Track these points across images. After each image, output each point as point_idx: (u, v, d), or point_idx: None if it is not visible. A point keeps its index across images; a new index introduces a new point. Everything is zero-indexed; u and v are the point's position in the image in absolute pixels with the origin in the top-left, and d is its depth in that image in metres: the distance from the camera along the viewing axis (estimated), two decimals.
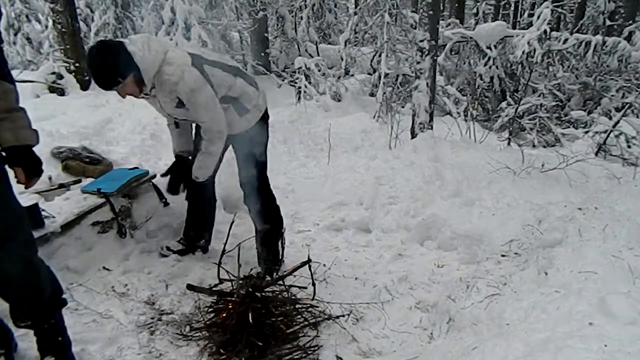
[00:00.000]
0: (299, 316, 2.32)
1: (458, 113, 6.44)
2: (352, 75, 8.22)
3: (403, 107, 6.43)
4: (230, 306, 2.21)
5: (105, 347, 2.09)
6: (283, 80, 9.08)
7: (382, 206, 3.52)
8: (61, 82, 5.16)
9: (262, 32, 9.76)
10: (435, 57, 4.41)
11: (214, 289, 2.37)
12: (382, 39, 7.28)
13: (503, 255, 2.77)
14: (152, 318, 2.32)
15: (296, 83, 7.01)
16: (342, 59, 8.08)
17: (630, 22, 9.38)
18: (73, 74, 5.30)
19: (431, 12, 4.32)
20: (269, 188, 2.75)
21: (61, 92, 5.11)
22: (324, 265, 2.85)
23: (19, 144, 1.58)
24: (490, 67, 8.08)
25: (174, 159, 2.68)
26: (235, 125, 2.48)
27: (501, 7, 13.81)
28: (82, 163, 3.09)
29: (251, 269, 2.62)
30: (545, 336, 1.72)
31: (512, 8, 14.76)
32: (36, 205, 2.40)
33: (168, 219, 3.09)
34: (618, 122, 4.95)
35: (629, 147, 5.01)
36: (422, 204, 3.44)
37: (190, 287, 2.34)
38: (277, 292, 2.42)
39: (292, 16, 10.30)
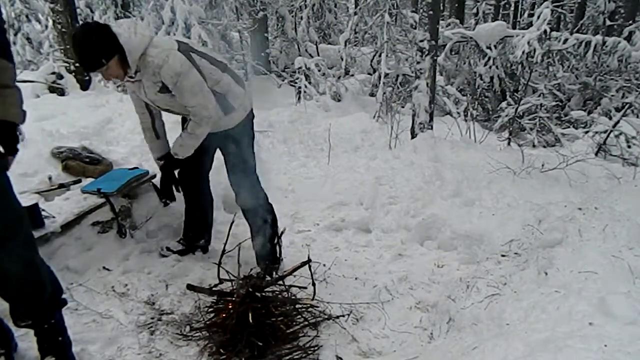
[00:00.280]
0: (299, 316, 2.32)
1: (458, 113, 6.44)
2: (352, 75, 8.23)
3: (403, 107, 6.43)
4: (230, 306, 2.21)
5: (105, 347, 2.09)
6: (283, 80, 9.08)
7: (382, 206, 3.51)
8: (61, 82, 5.16)
9: (262, 32, 9.76)
10: (435, 57, 4.41)
11: (214, 289, 2.36)
12: (382, 39, 7.28)
13: (503, 255, 2.77)
14: (152, 318, 2.32)
15: (296, 83, 7.01)
16: (342, 59, 8.08)
17: (630, 22, 9.38)
18: (73, 74, 5.29)
19: (431, 12, 4.33)
20: (260, 186, 2.73)
21: (61, 92, 5.10)
22: (324, 265, 2.85)
23: (3, 119, 1.58)
24: (490, 67, 8.08)
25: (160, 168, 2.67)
26: (219, 122, 2.46)
27: (501, 7, 13.81)
28: (82, 163, 3.09)
29: (251, 269, 2.61)
30: (545, 336, 1.72)
31: (512, 8, 14.75)
32: (36, 205, 2.39)
33: (168, 219, 3.09)
34: (618, 122, 4.95)
35: (629, 147, 5.01)
36: (422, 204, 3.44)
37: (190, 287, 2.34)
38: (277, 292, 2.42)
39: (292, 16, 10.30)
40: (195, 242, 2.89)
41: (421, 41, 4.37)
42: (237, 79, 2.54)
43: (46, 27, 6.98)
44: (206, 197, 2.84)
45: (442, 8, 11.13)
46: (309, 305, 2.38)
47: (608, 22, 9.58)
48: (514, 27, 11.38)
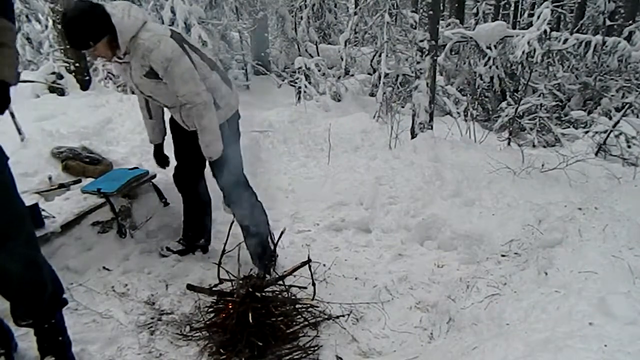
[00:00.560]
0: (299, 316, 2.32)
1: (458, 113, 6.44)
2: (352, 75, 8.22)
3: (403, 107, 6.43)
4: (230, 306, 2.21)
5: (105, 347, 2.09)
6: (283, 80, 9.08)
7: (382, 206, 3.51)
8: (61, 82, 5.16)
9: (262, 32, 9.76)
10: (435, 57, 4.41)
11: (214, 289, 2.37)
12: (382, 39, 7.28)
13: (503, 255, 2.77)
14: (152, 318, 2.32)
15: (296, 83, 7.01)
16: (342, 59, 8.08)
17: (630, 22, 9.37)
18: (73, 74, 5.29)
19: (431, 12, 4.32)
20: (248, 185, 2.71)
21: (61, 92, 5.10)
22: (324, 265, 2.85)
23: (0, 78, 1.56)
24: (490, 67, 8.07)
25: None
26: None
27: (501, 7, 13.79)
28: (82, 163, 3.09)
29: (251, 269, 2.62)
30: (545, 336, 1.72)
31: (512, 8, 14.73)
32: (36, 205, 2.40)
33: (168, 219, 3.10)
34: (618, 122, 4.95)
35: (629, 147, 5.01)
36: (422, 204, 3.43)
37: (190, 287, 2.34)
38: (277, 292, 2.42)
39: (292, 16, 10.30)
40: (195, 241, 2.89)
41: (421, 41, 4.37)
42: (224, 78, 2.53)
43: (46, 27, 6.97)
44: (203, 197, 2.84)
45: (442, 8, 11.13)
46: (309, 305, 2.38)
47: (608, 22, 9.58)
48: (514, 27, 11.38)
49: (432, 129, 4.54)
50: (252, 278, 2.32)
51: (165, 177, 3.13)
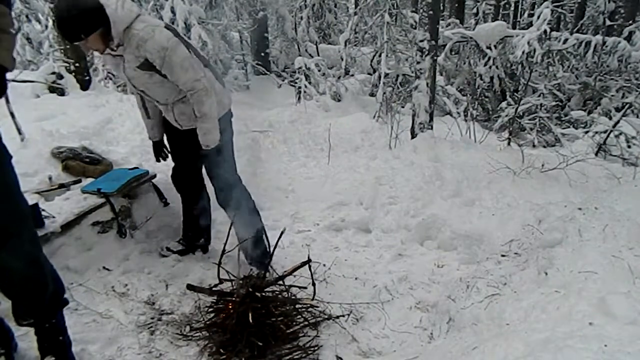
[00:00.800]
0: (299, 316, 2.32)
1: (458, 113, 6.44)
2: (352, 75, 8.22)
3: (403, 107, 6.42)
4: (230, 306, 2.21)
5: (105, 347, 2.09)
6: (283, 80, 9.08)
7: (382, 206, 3.51)
8: (61, 82, 5.15)
9: (262, 32, 9.76)
10: (435, 57, 4.41)
11: (214, 289, 2.37)
12: (382, 39, 7.28)
13: (503, 255, 2.77)
14: (152, 318, 2.32)
15: (296, 83, 7.01)
16: (342, 59, 8.08)
17: (630, 22, 9.37)
18: (73, 74, 5.28)
19: (431, 12, 4.32)
20: (241, 184, 2.72)
21: (61, 92, 5.10)
22: (324, 265, 2.85)
23: None
24: (490, 67, 8.07)
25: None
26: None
27: (501, 7, 13.78)
28: (82, 163, 3.09)
29: (251, 269, 2.62)
30: (545, 336, 1.72)
31: (512, 8, 14.72)
32: (36, 205, 2.40)
33: (168, 219, 3.10)
34: (618, 122, 4.95)
35: (629, 147, 5.01)
36: (422, 204, 3.44)
37: (190, 287, 2.34)
38: (277, 292, 2.42)
39: (292, 16, 10.29)
40: (195, 241, 2.89)
41: (421, 41, 4.37)
42: (217, 76, 2.53)
43: (46, 27, 6.97)
44: (201, 196, 2.83)
45: (442, 8, 11.12)
46: (309, 305, 2.38)
47: (608, 22, 9.57)
48: (514, 27, 11.37)
49: (432, 129, 4.54)
50: (252, 278, 2.32)
51: (165, 177, 3.13)
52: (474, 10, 12.51)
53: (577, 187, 3.50)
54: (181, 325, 2.28)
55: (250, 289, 2.19)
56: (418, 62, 4.52)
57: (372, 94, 7.65)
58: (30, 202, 2.37)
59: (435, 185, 3.57)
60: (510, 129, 5.26)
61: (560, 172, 3.60)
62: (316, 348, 2.16)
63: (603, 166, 3.80)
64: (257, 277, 2.37)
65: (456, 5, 12.40)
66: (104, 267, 2.61)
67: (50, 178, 2.89)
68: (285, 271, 2.44)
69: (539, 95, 6.80)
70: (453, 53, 8.75)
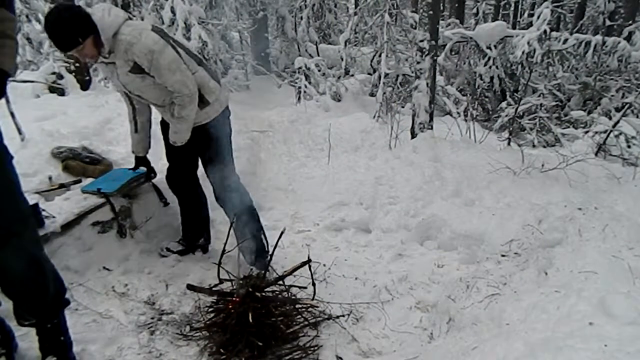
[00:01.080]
0: (299, 316, 2.32)
1: (458, 113, 6.43)
2: (352, 75, 8.22)
3: (403, 107, 6.43)
4: (230, 306, 2.21)
5: (105, 347, 2.09)
6: (283, 80, 9.08)
7: (382, 206, 3.52)
8: (61, 82, 5.15)
9: (262, 32, 9.76)
10: (435, 57, 4.41)
11: (214, 289, 2.37)
12: (382, 39, 7.28)
13: (503, 255, 2.77)
14: (152, 318, 2.32)
15: (296, 83, 7.00)
16: (342, 59, 8.07)
17: (630, 22, 9.37)
18: (73, 74, 5.28)
19: (431, 12, 4.32)
20: (239, 183, 2.72)
21: (61, 92, 5.09)
22: (324, 265, 2.85)
23: (0, 67, 1.57)
24: (490, 67, 8.08)
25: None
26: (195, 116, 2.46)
27: (501, 7, 13.80)
28: (82, 163, 3.09)
29: (251, 269, 2.62)
30: (545, 336, 1.72)
31: (512, 8, 14.73)
32: (36, 205, 2.39)
33: (168, 219, 3.09)
34: (618, 122, 4.94)
35: (629, 147, 5.01)
36: (422, 204, 3.44)
37: (190, 287, 2.34)
38: (277, 292, 2.42)
39: (292, 16, 10.30)
40: (195, 241, 2.89)
41: (421, 41, 4.37)
42: (212, 74, 2.54)
43: None
44: (198, 197, 2.84)
45: (442, 8, 11.12)
46: (309, 305, 2.38)
47: (608, 22, 9.58)
48: (514, 27, 11.39)
49: (432, 129, 4.54)
50: (252, 278, 2.32)
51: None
52: (474, 10, 12.53)
53: (577, 187, 3.49)
54: (181, 325, 2.28)
55: (250, 289, 2.20)
56: (418, 62, 4.52)
57: (372, 94, 7.65)
58: (30, 202, 2.37)
59: (435, 185, 3.57)
60: (510, 129, 5.26)
61: (560, 172, 3.60)
62: (316, 348, 2.16)
63: (603, 166, 3.80)
64: (257, 277, 2.37)
65: (456, 5, 12.41)
66: (104, 267, 2.61)
67: (50, 178, 2.89)
68: (285, 271, 2.44)
69: (539, 95, 6.80)
70: (453, 53, 8.75)
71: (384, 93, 6.56)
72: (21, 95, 4.51)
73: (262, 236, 2.74)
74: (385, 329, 2.35)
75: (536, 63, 7.30)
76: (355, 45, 8.72)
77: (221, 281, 2.38)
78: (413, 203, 3.46)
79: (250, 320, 2.07)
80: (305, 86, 6.72)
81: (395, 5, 7.52)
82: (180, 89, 2.31)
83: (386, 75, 6.95)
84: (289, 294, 2.42)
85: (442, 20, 9.56)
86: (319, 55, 9.17)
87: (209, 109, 2.50)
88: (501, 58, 8.08)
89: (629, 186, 3.29)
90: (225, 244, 2.37)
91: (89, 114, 4.12)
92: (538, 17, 7.24)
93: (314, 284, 2.41)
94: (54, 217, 2.48)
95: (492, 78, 8.18)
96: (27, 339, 1.94)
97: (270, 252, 2.45)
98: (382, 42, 7.23)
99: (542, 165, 3.66)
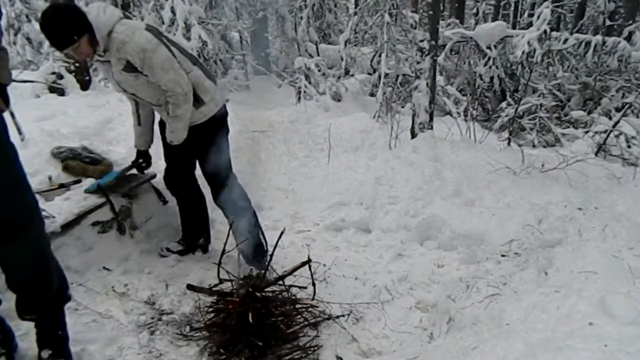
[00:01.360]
0: (299, 316, 2.32)
1: (458, 113, 6.43)
2: (352, 75, 8.22)
3: (403, 107, 6.43)
4: (230, 306, 2.21)
5: (105, 347, 2.09)
6: (283, 80, 9.08)
7: (382, 206, 3.52)
8: (61, 82, 5.15)
9: (262, 32, 9.76)
10: (435, 57, 4.41)
11: (214, 289, 2.37)
12: (382, 39, 7.28)
13: (503, 255, 2.77)
14: (152, 318, 2.32)
15: (296, 83, 7.00)
16: (342, 59, 8.07)
17: (630, 22, 9.37)
18: (73, 74, 5.28)
19: (431, 12, 4.32)
20: (236, 182, 2.72)
21: (61, 92, 5.09)
22: (324, 265, 2.85)
23: None
24: (490, 67, 8.08)
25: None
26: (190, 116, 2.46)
27: (501, 7, 13.80)
28: (82, 163, 3.09)
29: (251, 269, 2.62)
30: (545, 336, 1.73)
31: (512, 8, 14.73)
32: None
33: (168, 219, 3.09)
34: (618, 122, 4.94)
35: (629, 147, 5.00)
36: (422, 204, 3.44)
37: (190, 287, 2.34)
38: (277, 292, 2.42)
39: (292, 16, 10.30)
40: (195, 241, 2.89)
41: (421, 41, 4.38)
42: (207, 74, 2.54)
43: None
44: (196, 197, 2.83)
45: (442, 8, 11.12)
46: (309, 305, 2.38)
47: (608, 22, 9.58)
48: (514, 27, 11.38)
49: (432, 129, 4.54)
50: (252, 278, 2.32)
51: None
52: (474, 10, 12.53)
53: (577, 187, 3.50)
54: (181, 325, 2.28)
55: (250, 289, 2.19)
56: (418, 62, 4.53)
57: (372, 94, 7.65)
58: None
59: (435, 185, 3.57)
60: (510, 129, 5.26)
61: (560, 172, 3.60)
62: (316, 348, 2.16)
63: (603, 166, 3.80)
64: (257, 277, 2.37)
65: (456, 5, 12.42)
66: (104, 267, 2.61)
67: (50, 178, 2.89)
68: (285, 271, 2.44)
69: (539, 95, 6.80)
70: (453, 53, 8.75)
71: (384, 93, 6.56)
72: (21, 95, 4.51)
73: (261, 236, 2.74)
74: (385, 329, 2.35)
75: (536, 63, 7.30)
76: (355, 45, 8.72)
77: (221, 281, 2.38)
78: (413, 203, 3.46)
79: (250, 320, 2.07)
80: (305, 86, 6.72)
81: (395, 5, 7.52)
82: (174, 88, 2.31)
83: (386, 75, 6.95)
84: (289, 294, 2.42)
85: (442, 20, 9.56)
86: (319, 55, 9.17)
87: (204, 109, 2.49)
88: (501, 58, 8.09)
89: (629, 186, 3.29)
90: (225, 244, 2.37)
91: (89, 114, 4.12)
92: (538, 17, 7.24)
93: (314, 284, 2.41)
94: (54, 217, 2.48)
95: (492, 78, 8.19)
96: (27, 339, 1.94)
97: (270, 252, 2.45)
98: (382, 42, 7.24)
99: (542, 165, 3.66)
